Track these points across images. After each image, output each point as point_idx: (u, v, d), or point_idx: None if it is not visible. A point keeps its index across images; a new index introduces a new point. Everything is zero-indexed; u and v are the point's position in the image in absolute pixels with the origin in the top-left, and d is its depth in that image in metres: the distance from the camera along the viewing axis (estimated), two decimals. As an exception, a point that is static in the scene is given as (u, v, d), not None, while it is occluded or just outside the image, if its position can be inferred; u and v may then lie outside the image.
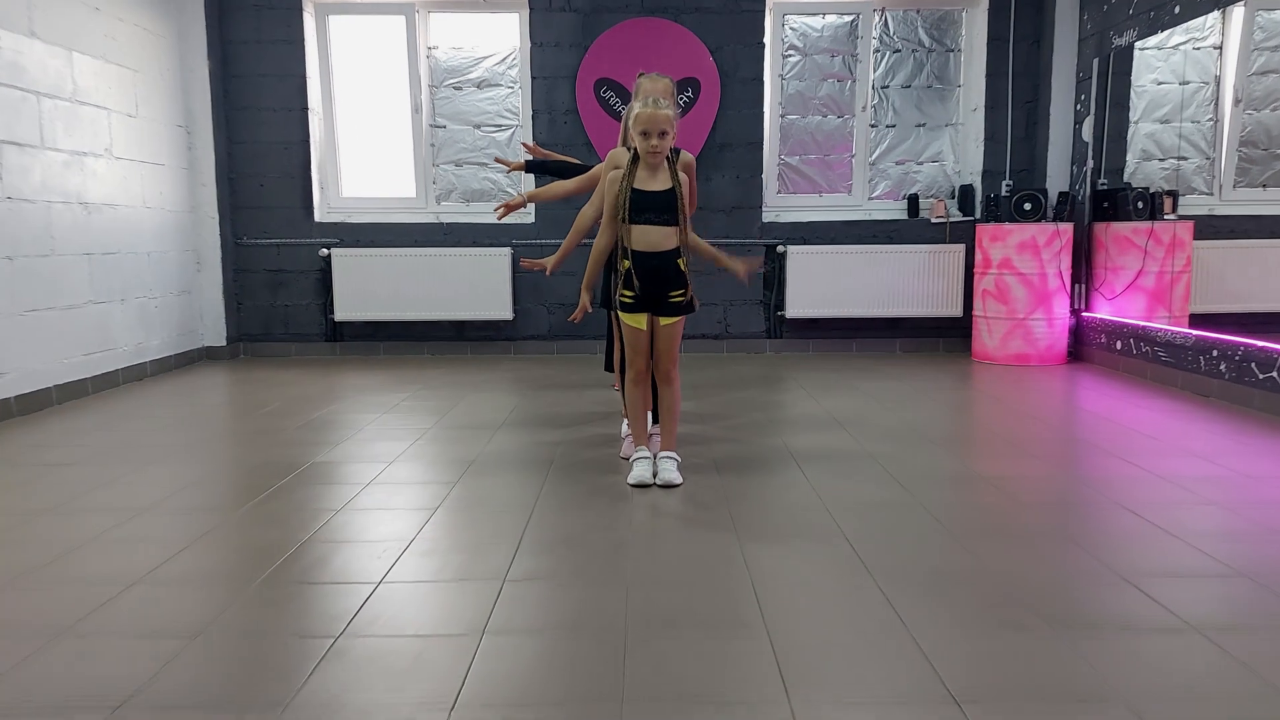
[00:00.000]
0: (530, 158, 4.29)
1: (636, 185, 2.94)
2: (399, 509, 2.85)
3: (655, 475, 3.01)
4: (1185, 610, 2.03)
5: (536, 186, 4.39)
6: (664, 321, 2.99)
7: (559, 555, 2.41)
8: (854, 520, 2.67)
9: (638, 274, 2.93)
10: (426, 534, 2.59)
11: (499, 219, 3.87)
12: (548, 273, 3.26)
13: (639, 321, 2.99)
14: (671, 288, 2.96)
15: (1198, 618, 1.99)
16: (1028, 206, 5.69)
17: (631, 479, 3.00)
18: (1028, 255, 5.54)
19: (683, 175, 2.99)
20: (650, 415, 3.35)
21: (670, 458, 3.04)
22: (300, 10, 5.97)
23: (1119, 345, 5.39)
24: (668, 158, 2.98)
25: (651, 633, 1.93)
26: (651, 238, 2.93)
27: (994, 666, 1.77)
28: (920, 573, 2.27)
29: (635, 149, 2.96)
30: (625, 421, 3.31)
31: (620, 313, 3.01)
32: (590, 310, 3.10)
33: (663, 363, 3.02)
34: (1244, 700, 1.65)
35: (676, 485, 2.99)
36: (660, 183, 2.95)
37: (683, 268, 2.98)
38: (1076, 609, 2.04)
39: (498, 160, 4.27)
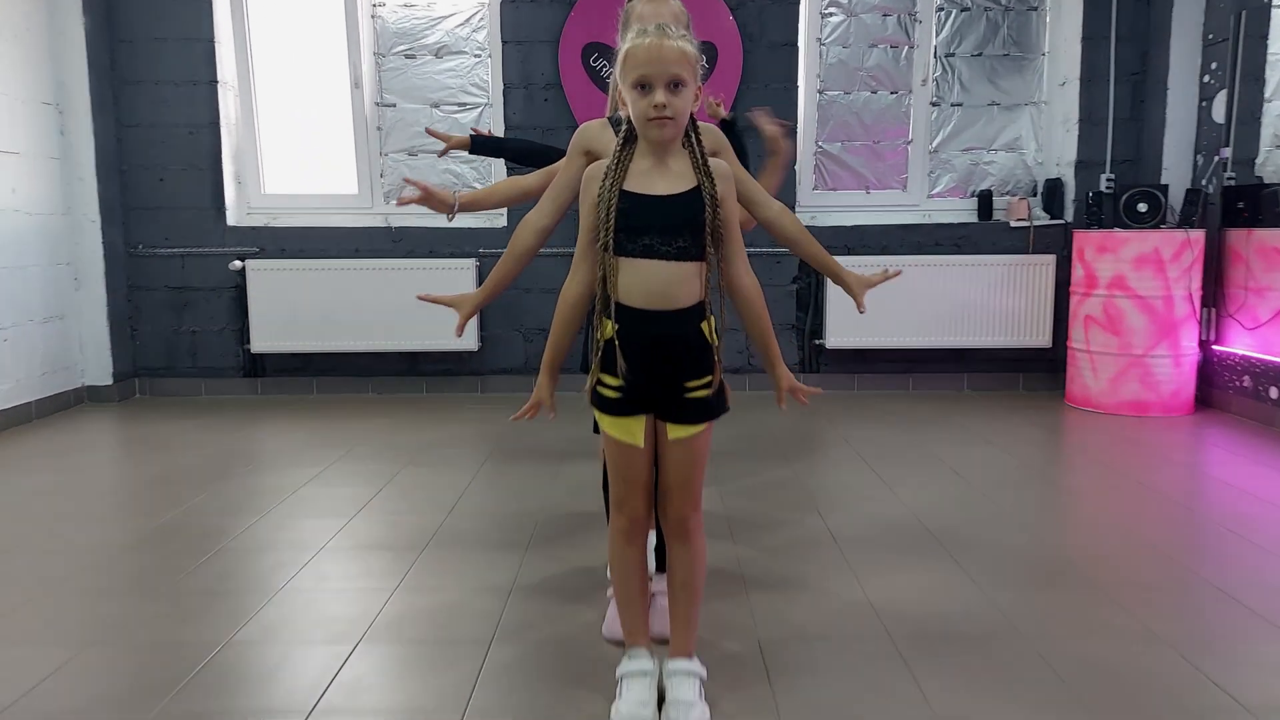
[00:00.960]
0: (477, 133, 2.99)
1: (630, 186, 1.65)
2: (312, 632, 1.58)
3: (662, 706, 1.71)
4: None
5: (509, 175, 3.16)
6: (677, 434, 1.69)
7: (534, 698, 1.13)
8: (918, 632, 1.39)
9: (630, 347, 1.66)
10: (349, 675, 1.32)
11: (439, 155, 2.65)
12: (457, 331, 2.00)
13: (632, 433, 1.68)
14: (690, 372, 1.67)
15: None
16: (1143, 208, 4.38)
17: (624, 711, 1.69)
18: (1149, 272, 4.23)
19: (719, 167, 1.70)
20: (654, 555, 2.08)
21: (690, 673, 1.74)
22: (207, -44, 4.67)
23: (1266, 391, 4.09)
24: (688, 134, 1.69)
25: None
26: (655, 282, 1.64)
27: None
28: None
29: (627, 120, 1.68)
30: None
31: (599, 414, 1.72)
32: (551, 411, 1.79)
33: (675, 502, 1.72)
34: None
35: (696, 712, 1.70)
36: (674, 179, 1.67)
37: (710, 336, 1.69)
38: None
39: (430, 133, 2.96)
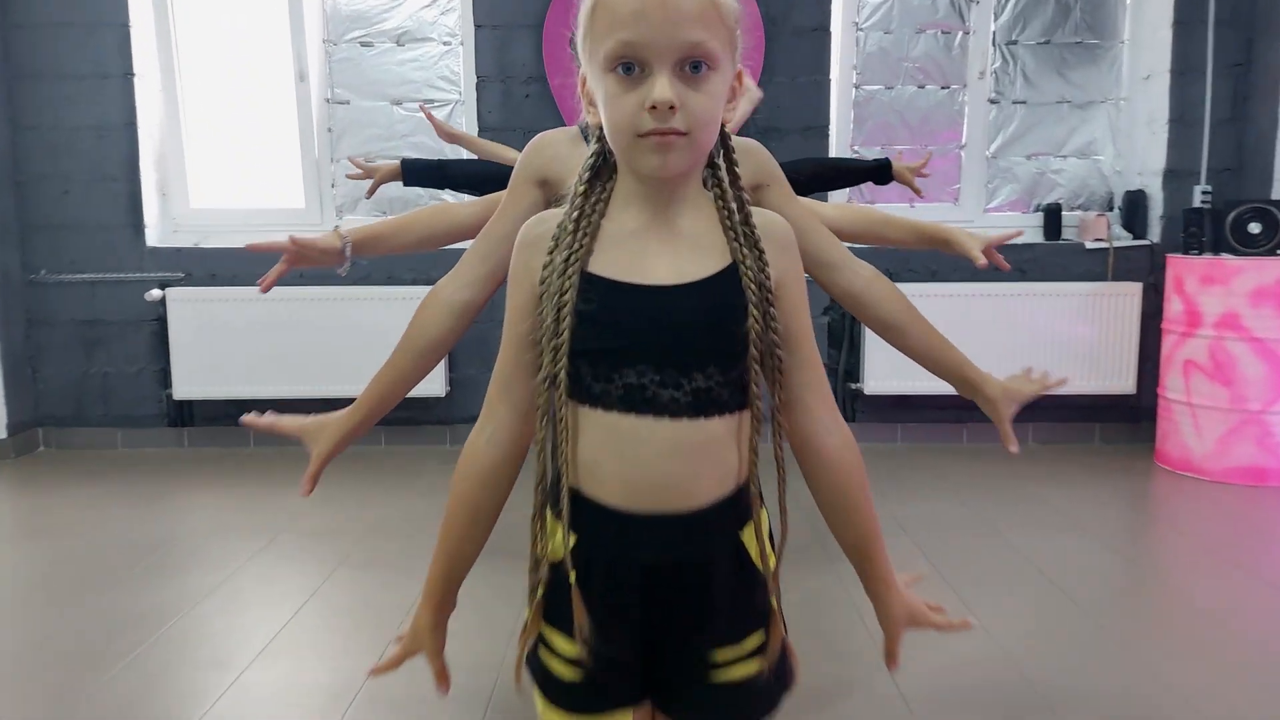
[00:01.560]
0: (409, 157, 2.26)
1: (602, 266, 0.90)
2: None
3: None
4: None
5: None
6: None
7: None
8: None
9: (601, 583, 0.90)
10: None
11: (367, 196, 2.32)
12: (304, 487, 1.26)
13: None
14: (721, 631, 0.91)
15: None
16: (1255, 229, 3.57)
17: None
18: (1269, 309, 3.42)
19: (771, 226, 0.92)
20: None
21: None
22: (119, -78, 3.88)
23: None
24: (714, 162, 0.91)
25: None
26: (650, 459, 0.87)
27: None
28: None
29: (598, 137, 0.89)
30: None
31: (542, 704, 0.93)
32: (443, 682, 0.99)
33: None
34: None
35: None
36: (688, 252, 0.91)
37: (758, 555, 0.94)
38: None
39: (353, 163, 2.28)
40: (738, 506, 0.90)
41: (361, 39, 4.13)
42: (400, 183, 2.50)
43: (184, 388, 3.98)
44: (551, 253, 0.88)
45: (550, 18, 3.91)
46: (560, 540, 0.88)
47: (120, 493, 3.47)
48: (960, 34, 4.12)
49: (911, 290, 3.91)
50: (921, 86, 4.16)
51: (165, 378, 4.04)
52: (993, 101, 4.16)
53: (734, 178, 0.93)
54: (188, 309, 3.96)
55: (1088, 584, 2.56)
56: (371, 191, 2.47)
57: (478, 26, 3.96)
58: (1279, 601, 2.43)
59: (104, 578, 2.59)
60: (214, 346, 3.95)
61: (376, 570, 2.66)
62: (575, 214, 0.89)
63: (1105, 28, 4.15)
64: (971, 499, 3.34)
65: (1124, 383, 3.97)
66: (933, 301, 3.96)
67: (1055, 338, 3.95)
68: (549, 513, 0.91)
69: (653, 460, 0.86)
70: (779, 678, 0.91)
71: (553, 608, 0.89)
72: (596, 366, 0.87)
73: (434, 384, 4.00)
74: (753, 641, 0.90)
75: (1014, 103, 4.18)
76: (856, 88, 4.16)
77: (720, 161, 0.92)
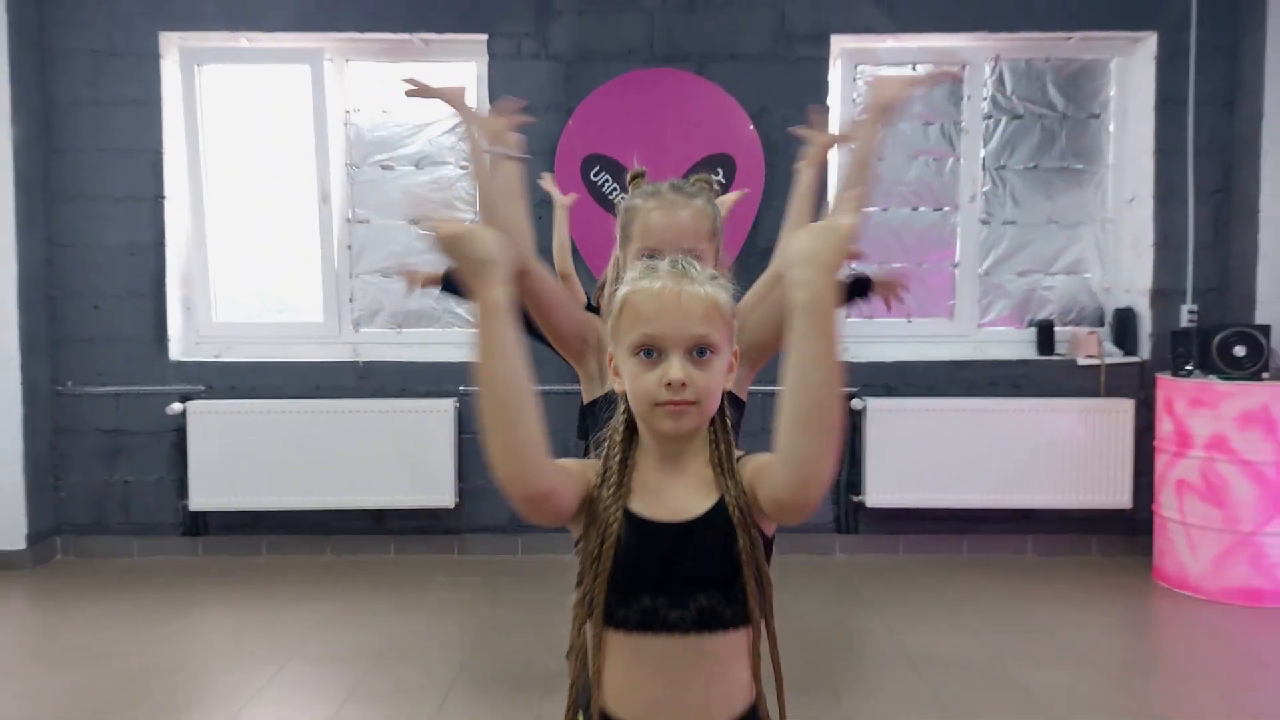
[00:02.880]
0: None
1: (638, 505, 1.01)
2: None
3: None
4: None
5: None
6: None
7: None
8: None
9: (622, 609, 1.05)
10: None
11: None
12: None
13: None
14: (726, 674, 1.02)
15: None
16: (1240, 352, 3.70)
17: None
18: (1256, 433, 3.53)
19: (754, 477, 1.06)
20: None
21: None
22: (157, 58, 4.13)
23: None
24: (714, 424, 1.04)
25: None
26: (667, 679, 0.97)
27: None
28: None
29: (625, 407, 1.03)
30: None
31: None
32: None
33: None
34: None
35: None
36: (690, 489, 1.05)
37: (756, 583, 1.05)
38: None
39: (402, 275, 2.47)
40: (745, 534, 1.02)
41: (382, 162, 4.34)
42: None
43: (199, 498, 4.08)
44: (599, 487, 1.02)
45: (561, 148, 4.12)
46: (595, 564, 1.01)
47: (132, 610, 3.52)
48: (951, 160, 4.33)
49: (907, 405, 4.07)
50: (915, 209, 4.35)
51: (182, 488, 4.14)
52: (984, 222, 4.34)
53: (724, 427, 1.07)
54: (207, 420, 4.08)
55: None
56: (414, 287, 2.60)
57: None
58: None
59: (112, 716, 2.62)
60: (231, 457, 4.06)
61: (384, 704, 2.69)
62: (618, 456, 1.03)
63: (1089, 153, 4.36)
64: (973, 619, 3.40)
65: (1120, 497, 4.06)
66: (929, 415, 4.08)
67: (1051, 452, 4.05)
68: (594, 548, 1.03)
69: (670, 673, 0.97)
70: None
71: (580, 621, 1.04)
72: (619, 592, 1.00)
73: (443, 495, 4.10)
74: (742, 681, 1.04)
75: (1004, 223, 4.36)
76: (853, 210, 4.34)
77: (716, 416, 1.06)
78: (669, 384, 0.99)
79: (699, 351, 1.01)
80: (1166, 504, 3.77)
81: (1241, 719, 2.61)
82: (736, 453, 1.07)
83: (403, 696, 2.73)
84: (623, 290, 1.04)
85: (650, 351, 1.01)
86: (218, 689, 2.81)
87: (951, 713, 2.66)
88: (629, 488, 1.04)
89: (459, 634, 3.29)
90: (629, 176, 1.80)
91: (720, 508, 1.03)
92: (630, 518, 1.02)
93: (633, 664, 1.01)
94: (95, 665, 2.98)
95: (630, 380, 1.02)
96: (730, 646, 1.03)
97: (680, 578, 1.01)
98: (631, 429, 1.06)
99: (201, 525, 4.20)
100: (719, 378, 1.02)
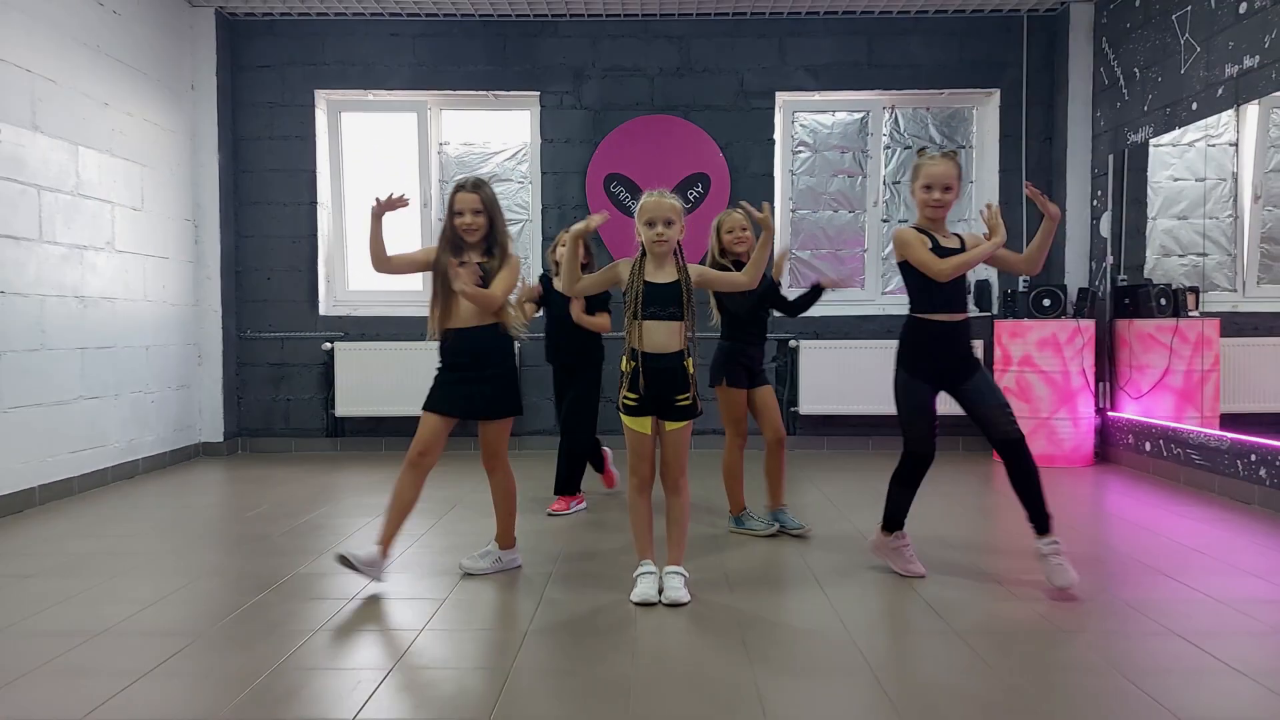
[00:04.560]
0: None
1: (646, 278, 2.80)
2: (381, 629, 2.62)
3: (661, 592, 2.78)
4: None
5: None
6: (670, 426, 2.81)
7: (553, 692, 2.17)
8: (878, 647, 2.43)
9: (645, 375, 2.77)
10: (409, 660, 2.36)
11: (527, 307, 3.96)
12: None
13: (644, 426, 2.81)
14: (677, 391, 2.79)
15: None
16: (1046, 303, 5.54)
17: (635, 596, 2.77)
18: (1049, 352, 5.36)
19: (697, 272, 2.85)
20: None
21: (678, 573, 2.82)
22: (312, 108, 6.01)
23: (1148, 447, 5.16)
24: (675, 253, 2.85)
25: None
26: (658, 337, 2.77)
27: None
28: (945, 701, 2.02)
29: (641, 245, 2.84)
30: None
31: (623, 416, 2.84)
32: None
33: (671, 471, 2.82)
34: None
35: (684, 604, 2.75)
36: (666, 275, 2.82)
37: (689, 369, 2.81)
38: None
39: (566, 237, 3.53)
40: (682, 354, 2.82)
41: (464, 179, 6.21)
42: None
43: (342, 409, 5.90)
44: (632, 273, 2.83)
45: (590, 168, 5.98)
46: (632, 365, 2.81)
47: (294, 483, 5.32)
48: (860, 177, 6.20)
49: (831, 345, 5.88)
50: (836, 211, 6.21)
51: (328, 403, 5.97)
52: (884, 221, 6.20)
53: (680, 251, 2.89)
54: (345, 356, 5.91)
55: (924, 512, 4.40)
56: (532, 306, 4.24)
57: (543, 172, 6.05)
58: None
59: (280, 525, 4.42)
60: (362, 381, 5.88)
61: (467, 526, 4.48)
62: (640, 258, 2.85)
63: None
64: (868, 479, 5.19)
65: (975, 407, 5.86)
66: (845, 352, 5.89)
67: (928, 377, 5.86)
68: (628, 359, 2.83)
69: (659, 336, 2.78)
70: (695, 408, 2.81)
71: (629, 384, 2.81)
72: (642, 306, 2.81)
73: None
74: (686, 394, 2.81)
75: (899, 221, 6.21)
76: (792, 211, 6.21)
77: (679, 252, 2.88)
78: (658, 232, 2.78)
79: (666, 223, 2.80)
80: (998, 405, 5.58)
81: (1064, 527, 4.40)
82: (692, 267, 2.86)
83: (480, 521, 4.47)
84: (640, 203, 2.83)
85: (652, 223, 2.80)
86: (360, 505, 4.57)
87: (841, 509, 4.45)
88: (644, 272, 2.82)
89: (519, 485, 5.07)
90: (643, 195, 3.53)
91: (678, 281, 2.82)
92: (646, 281, 2.81)
93: (647, 331, 2.78)
94: (272, 520, 4.78)
95: (644, 233, 2.81)
96: (678, 327, 2.79)
97: (662, 300, 2.78)
98: (643, 255, 2.85)
99: (339, 429, 6.02)
100: (676, 232, 2.80)
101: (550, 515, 4.16)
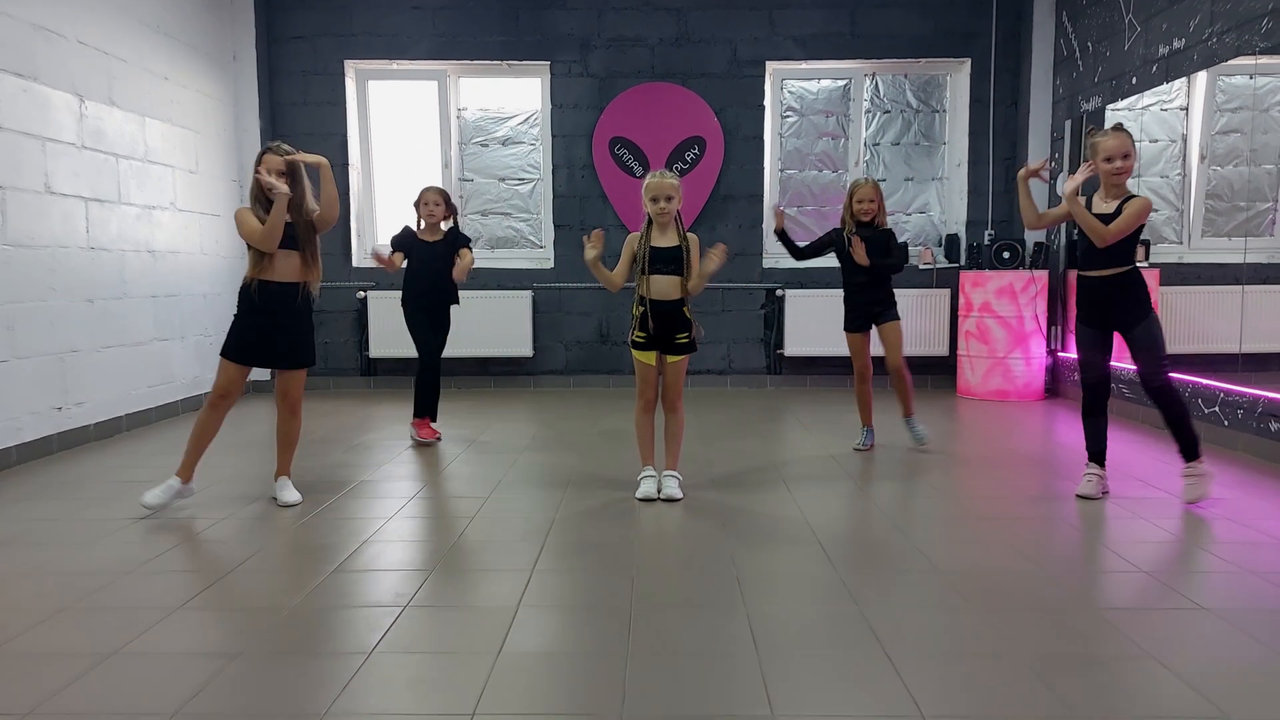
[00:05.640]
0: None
1: (653, 243, 3.45)
2: (439, 516, 3.34)
3: (660, 491, 3.49)
4: (1112, 598, 2.49)
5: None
6: (671, 359, 3.49)
7: (577, 553, 2.89)
8: (827, 526, 3.14)
9: (652, 318, 3.45)
10: (468, 536, 3.08)
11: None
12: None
13: (650, 359, 3.49)
14: (678, 330, 3.47)
15: (1111, 602, 2.45)
16: (1006, 255, 6.18)
17: (639, 494, 3.49)
18: (1006, 300, 6.02)
19: (689, 237, 3.49)
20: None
21: (674, 476, 3.53)
22: (343, 76, 6.59)
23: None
24: (676, 220, 3.49)
25: (653, 612, 2.41)
26: (662, 287, 3.44)
27: (932, 640, 2.24)
28: (876, 566, 2.73)
29: (648, 216, 3.47)
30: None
31: (634, 351, 3.52)
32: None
33: (670, 394, 3.52)
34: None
35: (678, 500, 3.47)
36: (669, 240, 3.47)
37: (687, 314, 3.48)
38: (1014, 596, 2.50)
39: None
40: (682, 301, 3.47)
41: (481, 142, 6.81)
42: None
43: (375, 350, 6.59)
44: (639, 242, 3.49)
45: (597, 131, 6.57)
46: (641, 309, 3.47)
47: (335, 415, 6.04)
48: (844, 139, 6.79)
49: (814, 293, 6.53)
50: (820, 171, 6.82)
51: (362, 345, 6.65)
52: (865, 180, 6.80)
53: (680, 219, 3.54)
54: (377, 303, 6.58)
55: (888, 437, 5.11)
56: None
57: (553, 135, 6.64)
58: (986, 447, 4.98)
59: (336, 445, 5.13)
60: (394, 326, 6.54)
61: (488, 453, 5.19)
62: (646, 228, 3.50)
63: (933, 135, 6.81)
64: (842, 411, 5.89)
65: (941, 349, 6.56)
66: (826, 299, 6.54)
67: (903, 321, 6.53)
68: (637, 305, 3.49)
69: (663, 286, 3.43)
70: (693, 345, 3.49)
71: (639, 325, 3.48)
72: (648, 263, 3.46)
73: (524, 349, 6.59)
74: (685, 333, 3.48)
75: (878, 180, 6.80)
76: (780, 171, 6.82)
77: (678, 219, 3.53)
78: (660, 207, 3.42)
79: (667, 199, 3.42)
80: (961, 346, 6.28)
81: (1001, 446, 5.09)
82: (690, 235, 3.51)
83: (507, 442, 5.21)
84: (645, 183, 3.46)
85: (656, 199, 3.42)
86: (400, 431, 5.27)
87: (814, 435, 5.16)
88: (650, 238, 3.47)
89: (536, 415, 5.78)
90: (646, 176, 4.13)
91: (678, 245, 3.46)
92: (651, 246, 3.46)
93: (653, 283, 3.41)
94: (310, 448, 5.49)
95: (650, 206, 3.44)
96: (678, 281, 3.45)
97: (665, 259, 3.42)
98: (649, 225, 3.49)
99: (373, 369, 6.71)
100: (675, 205, 3.42)
101: (419, 442, 4.72)
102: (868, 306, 4.53)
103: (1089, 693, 1.92)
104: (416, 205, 4.72)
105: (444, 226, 4.74)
